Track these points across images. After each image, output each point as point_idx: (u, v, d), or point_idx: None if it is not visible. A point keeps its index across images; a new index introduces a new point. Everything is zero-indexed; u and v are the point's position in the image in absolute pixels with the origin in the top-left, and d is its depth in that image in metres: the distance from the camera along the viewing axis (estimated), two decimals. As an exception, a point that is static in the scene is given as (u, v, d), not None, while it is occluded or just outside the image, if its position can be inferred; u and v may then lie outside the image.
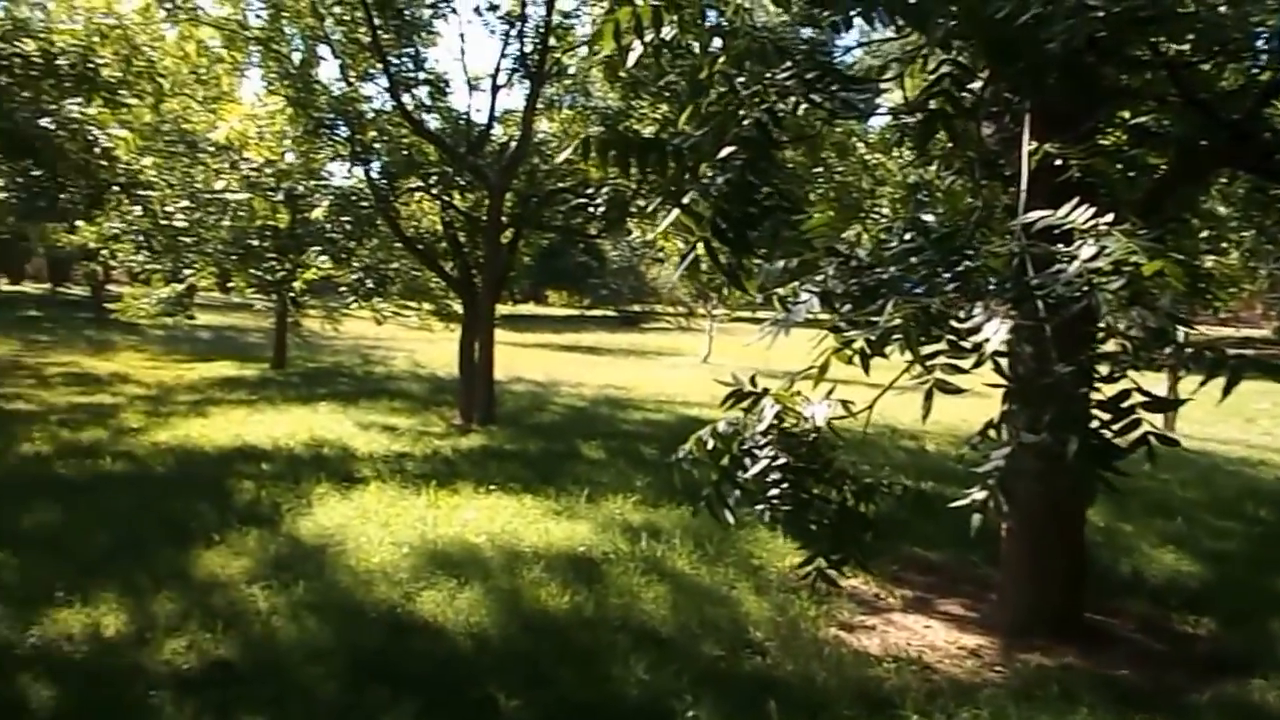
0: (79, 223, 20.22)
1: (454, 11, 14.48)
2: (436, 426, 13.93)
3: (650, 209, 12.66)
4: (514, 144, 13.89)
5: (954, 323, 2.76)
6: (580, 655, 5.51)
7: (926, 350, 2.79)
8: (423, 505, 8.58)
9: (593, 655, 5.51)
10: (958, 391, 2.71)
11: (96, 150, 12.95)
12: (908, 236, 3.27)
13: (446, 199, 14.88)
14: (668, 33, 3.65)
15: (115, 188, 15.05)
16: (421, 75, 14.16)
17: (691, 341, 37.34)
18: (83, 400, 15.41)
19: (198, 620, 5.68)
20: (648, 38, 3.63)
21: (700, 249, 3.58)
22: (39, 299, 45.15)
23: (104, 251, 21.22)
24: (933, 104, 3.76)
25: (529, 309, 59.84)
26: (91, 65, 12.51)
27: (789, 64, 3.80)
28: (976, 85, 4.03)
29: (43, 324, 32.12)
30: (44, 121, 12.19)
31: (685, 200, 3.60)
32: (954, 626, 6.37)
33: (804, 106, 3.90)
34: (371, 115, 14.34)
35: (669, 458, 3.81)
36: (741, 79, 3.83)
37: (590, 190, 14.04)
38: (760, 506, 3.56)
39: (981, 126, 4.87)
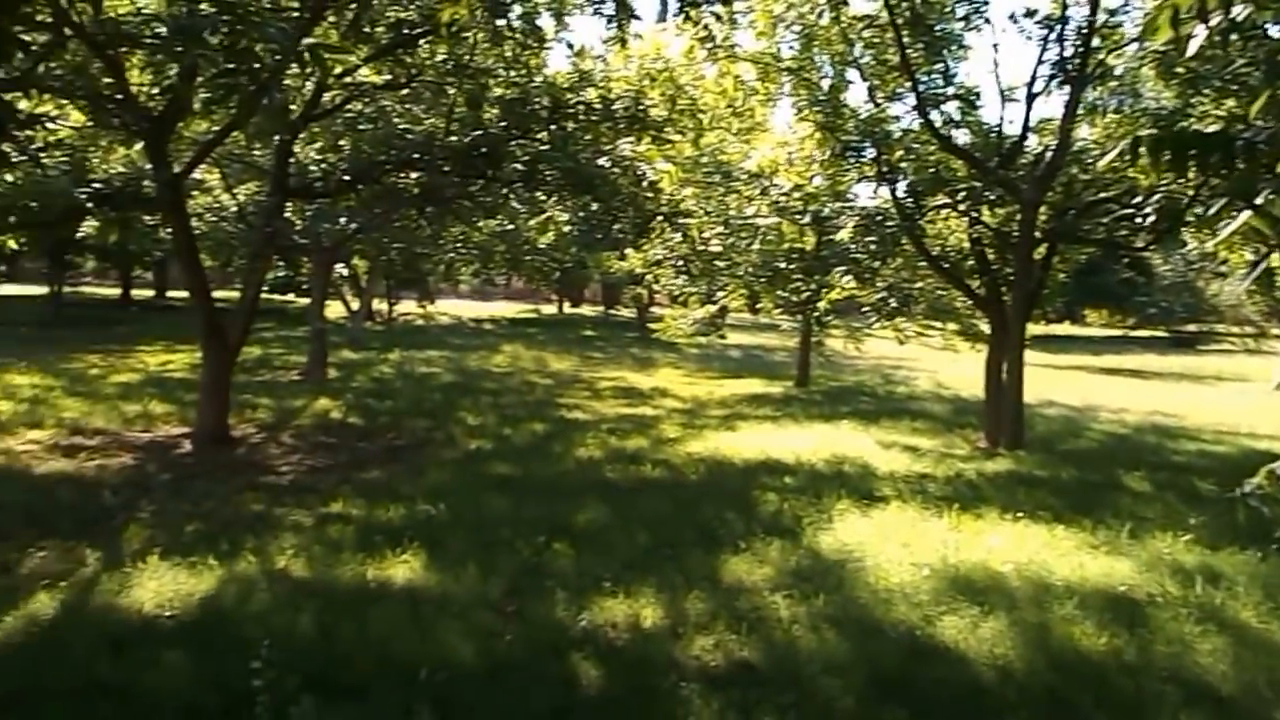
0: (628, 250, 22.56)
1: (987, 22, 14.04)
2: (960, 449, 13.60)
3: (1211, 214, 11.34)
4: (1049, 154, 13.18)
5: None
6: (1119, 702, 5.03)
7: None
8: (944, 528, 8.36)
9: (1135, 704, 5.01)
10: None
11: (644, 184, 14.35)
12: None
13: (974, 215, 14.47)
14: (1239, 12, 3.21)
15: (659, 217, 16.51)
16: (950, 90, 14.00)
17: (1260, 366, 33.16)
18: (628, 411, 17.27)
19: (724, 621, 5.97)
20: (1213, 21, 3.22)
21: (1276, 257, 3.11)
22: (594, 320, 51.99)
23: (648, 276, 23.53)
24: None
25: (1064, 329, 56.94)
26: (642, 107, 13.92)
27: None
28: None
29: (596, 342, 36.74)
30: (601, 160, 13.78)
31: (1259, 201, 3.15)
32: None
33: None
34: (898, 135, 14.39)
35: (1230, 493, 3.34)
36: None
37: (1137, 199, 12.91)
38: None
39: None
